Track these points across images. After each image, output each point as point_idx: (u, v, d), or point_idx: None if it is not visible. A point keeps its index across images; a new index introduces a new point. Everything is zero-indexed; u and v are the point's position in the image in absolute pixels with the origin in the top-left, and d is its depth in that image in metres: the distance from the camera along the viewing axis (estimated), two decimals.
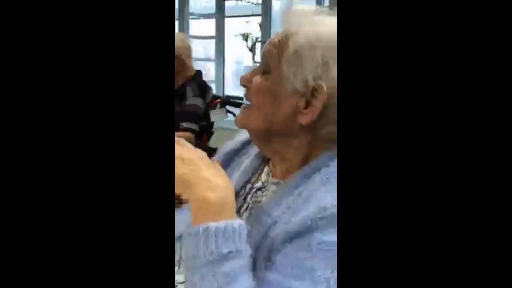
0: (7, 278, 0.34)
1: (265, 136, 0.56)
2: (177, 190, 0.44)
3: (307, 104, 0.51)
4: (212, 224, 0.42)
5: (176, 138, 0.47)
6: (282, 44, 0.52)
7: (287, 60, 0.51)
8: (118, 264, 0.36)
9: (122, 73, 0.37)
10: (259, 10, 4.22)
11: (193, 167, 0.46)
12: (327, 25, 0.51)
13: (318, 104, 0.50)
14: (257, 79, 0.54)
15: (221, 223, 0.43)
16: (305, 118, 0.51)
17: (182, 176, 0.44)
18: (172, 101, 0.43)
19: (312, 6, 0.56)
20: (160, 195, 0.37)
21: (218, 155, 0.70)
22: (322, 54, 0.49)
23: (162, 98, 0.38)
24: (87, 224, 0.35)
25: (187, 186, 0.45)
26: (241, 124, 0.58)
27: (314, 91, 0.50)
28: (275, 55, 0.52)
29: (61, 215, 0.35)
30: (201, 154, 0.49)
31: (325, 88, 0.49)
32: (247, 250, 0.45)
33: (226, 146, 0.71)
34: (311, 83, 0.50)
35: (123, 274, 0.36)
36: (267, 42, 0.57)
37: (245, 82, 0.56)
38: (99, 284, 0.35)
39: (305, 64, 0.50)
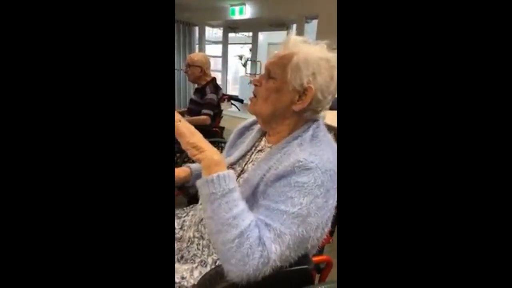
0: (7, 278, 0.32)
1: (268, 118, 0.73)
2: (194, 153, 0.61)
3: (299, 98, 0.69)
4: (221, 173, 0.58)
5: (192, 129, 0.62)
6: (286, 59, 0.68)
7: (291, 68, 0.67)
8: (118, 257, 0.36)
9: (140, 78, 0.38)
10: (249, 40, 5.14)
11: (202, 144, 0.62)
12: (314, 50, 0.69)
13: (307, 98, 0.68)
14: (265, 82, 0.71)
15: (225, 172, 0.59)
16: (297, 107, 0.69)
17: (197, 144, 0.61)
18: (172, 103, 0.49)
19: (301, 37, 0.74)
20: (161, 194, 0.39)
21: (236, 129, 0.92)
22: (313, 67, 0.67)
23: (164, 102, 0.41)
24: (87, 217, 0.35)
25: (200, 150, 0.61)
26: (253, 110, 0.74)
27: (305, 90, 0.68)
28: (280, 66, 0.69)
29: (63, 209, 0.34)
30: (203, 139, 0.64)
31: (313, 89, 0.67)
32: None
33: (240, 125, 0.92)
34: (305, 85, 0.67)
35: (124, 267, 0.36)
36: (270, 58, 0.74)
37: (257, 82, 0.74)
38: (105, 277, 0.36)
39: (303, 72, 0.67)
